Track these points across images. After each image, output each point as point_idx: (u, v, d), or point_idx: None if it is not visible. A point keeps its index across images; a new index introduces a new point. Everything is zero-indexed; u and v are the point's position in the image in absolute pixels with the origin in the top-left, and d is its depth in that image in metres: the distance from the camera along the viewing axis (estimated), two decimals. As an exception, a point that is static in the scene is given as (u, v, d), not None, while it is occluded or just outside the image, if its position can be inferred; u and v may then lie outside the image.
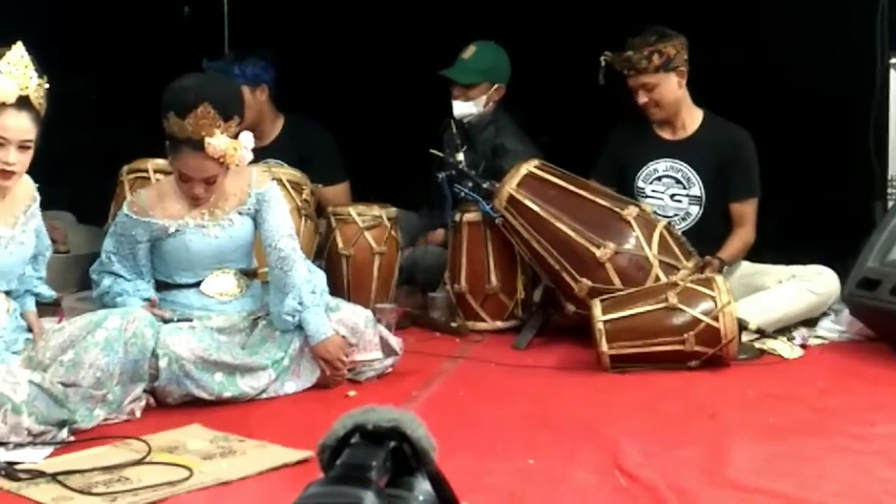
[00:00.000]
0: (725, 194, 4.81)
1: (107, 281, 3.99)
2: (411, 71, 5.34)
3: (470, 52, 5.20)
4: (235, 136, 3.86)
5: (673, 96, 4.77)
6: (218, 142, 3.80)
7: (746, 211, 4.81)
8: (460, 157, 4.90)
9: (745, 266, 4.81)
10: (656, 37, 4.72)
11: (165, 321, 3.82)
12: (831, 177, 5.19)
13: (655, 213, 4.65)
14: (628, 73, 4.74)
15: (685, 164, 4.81)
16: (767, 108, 5.15)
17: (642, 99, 4.76)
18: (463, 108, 5.18)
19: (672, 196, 4.83)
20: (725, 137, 4.82)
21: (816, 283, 4.57)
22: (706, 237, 4.70)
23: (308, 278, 3.95)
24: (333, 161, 5.37)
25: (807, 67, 5.14)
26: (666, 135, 4.88)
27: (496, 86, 5.21)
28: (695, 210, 4.81)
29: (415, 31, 5.39)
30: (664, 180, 4.85)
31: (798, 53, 5.17)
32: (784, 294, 4.55)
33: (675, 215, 4.80)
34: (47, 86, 3.47)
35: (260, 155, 4.68)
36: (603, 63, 4.74)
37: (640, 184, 4.87)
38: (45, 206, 3.78)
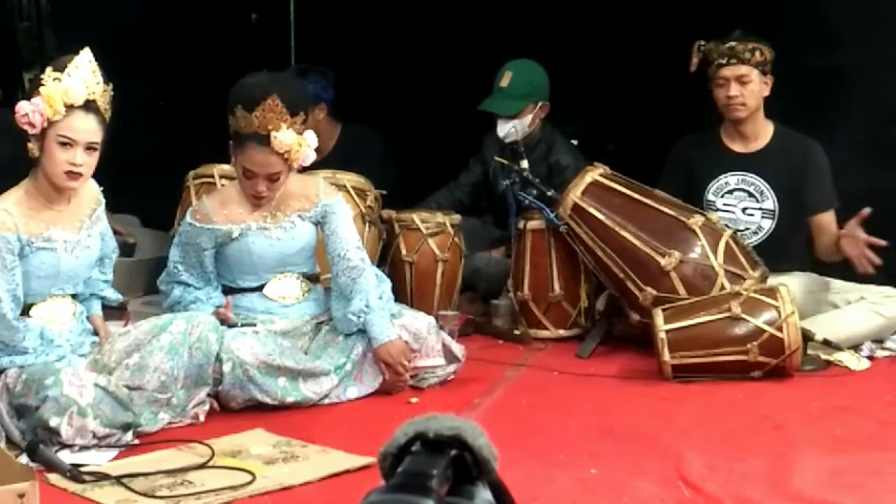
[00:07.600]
0: (803, 208, 4.70)
1: (177, 291, 4.02)
2: (473, 80, 5.32)
3: (507, 79, 5.10)
4: (300, 134, 3.89)
5: (757, 99, 4.67)
6: (284, 136, 3.82)
7: (827, 221, 4.68)
8: (525, 164, 4.86)
9: (814, 279, 4.71)
10: (757, 39, 4.66)
11: (231, 326, 3.85)
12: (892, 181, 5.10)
13: (727, 226, 4.57)
14: (728, 62, 4.62)
15: (758, 178, 4.72)
16: (829, 115, 5.08)
17: (734, 91, 4.63)
18: (507, 128, 5.09)
19: (744, 210, 4.74)
20: (797, 149, 4.72)
21: (885, 305, 4.49)
22: (777, 251, 4.62)
23: (376, 284, 3.98)
24: (372, 170, 5.10)
25: (866, 75, 5.06)
26: (736, 147, 4.79)
27: (540, 104, 5.16)
28: (767, 224, 4.71)
29: (474, 42, 5.38)
30: (736, 193, 4.76)
31: (860, 60, 5.10)
32: (851, 316, 4.47)
33: (747, 229, 4.71)
34: (112, 92, 3.52)
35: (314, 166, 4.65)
36: (698, 49, 4.68)
37: (711, 197, 4.78)
38: (112, 209, 3.82)
